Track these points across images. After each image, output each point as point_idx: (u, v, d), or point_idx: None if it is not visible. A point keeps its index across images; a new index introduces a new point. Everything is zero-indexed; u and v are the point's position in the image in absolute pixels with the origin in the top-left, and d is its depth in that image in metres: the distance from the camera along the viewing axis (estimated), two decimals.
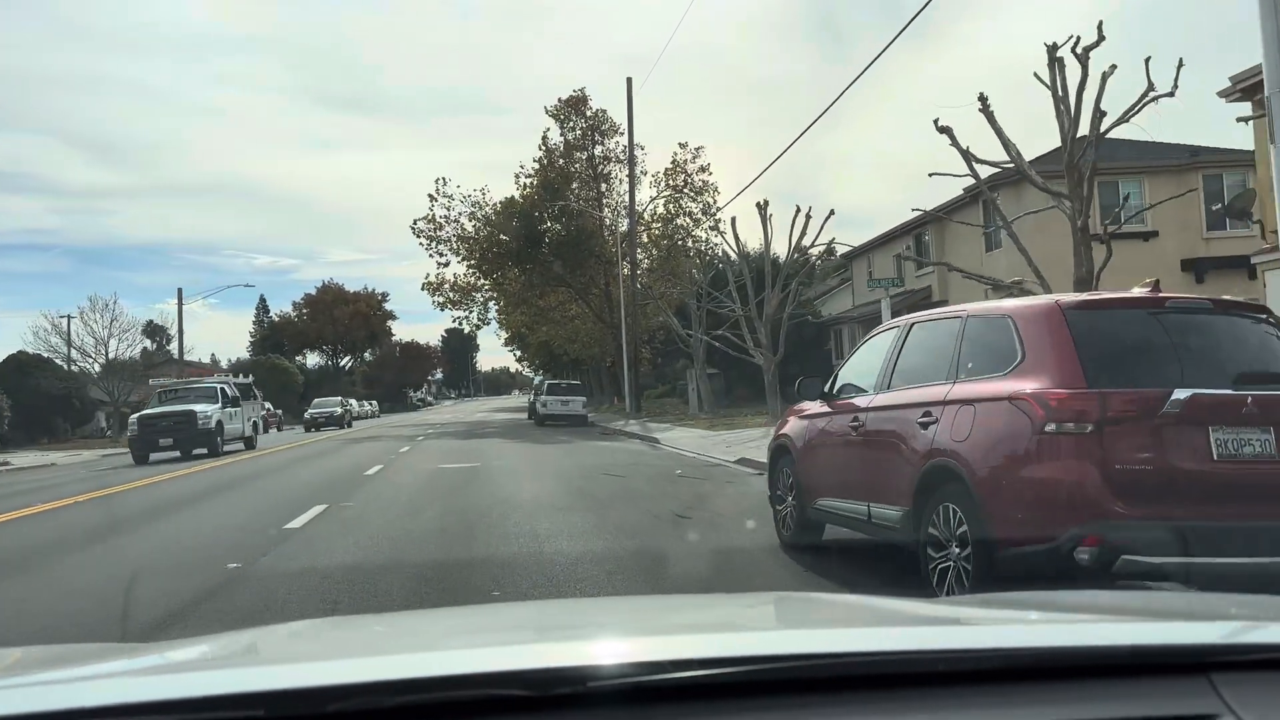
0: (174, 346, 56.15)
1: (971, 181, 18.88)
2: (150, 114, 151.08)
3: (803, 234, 27.61)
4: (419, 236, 45.79)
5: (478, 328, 52.40)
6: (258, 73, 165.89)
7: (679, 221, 47.58)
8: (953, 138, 16.30)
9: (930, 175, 36.14)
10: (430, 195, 45.38)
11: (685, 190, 47.81)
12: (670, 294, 41.09)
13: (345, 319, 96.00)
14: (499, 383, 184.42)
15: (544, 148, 47.23)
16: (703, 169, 47.63)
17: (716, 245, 42.69)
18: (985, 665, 1.40)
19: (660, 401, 49.31)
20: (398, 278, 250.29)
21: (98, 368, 50.61)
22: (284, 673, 1.47)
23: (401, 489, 14.24)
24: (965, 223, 27.72)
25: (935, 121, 16.19)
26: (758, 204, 28.02)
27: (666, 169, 47.94)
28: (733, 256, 28.64)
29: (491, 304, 51.26)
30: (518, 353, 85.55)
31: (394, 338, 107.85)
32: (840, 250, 30.51)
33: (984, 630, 1.80)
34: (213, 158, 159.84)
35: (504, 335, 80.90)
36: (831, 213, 26.57)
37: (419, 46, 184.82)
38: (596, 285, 47.58)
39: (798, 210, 27.05)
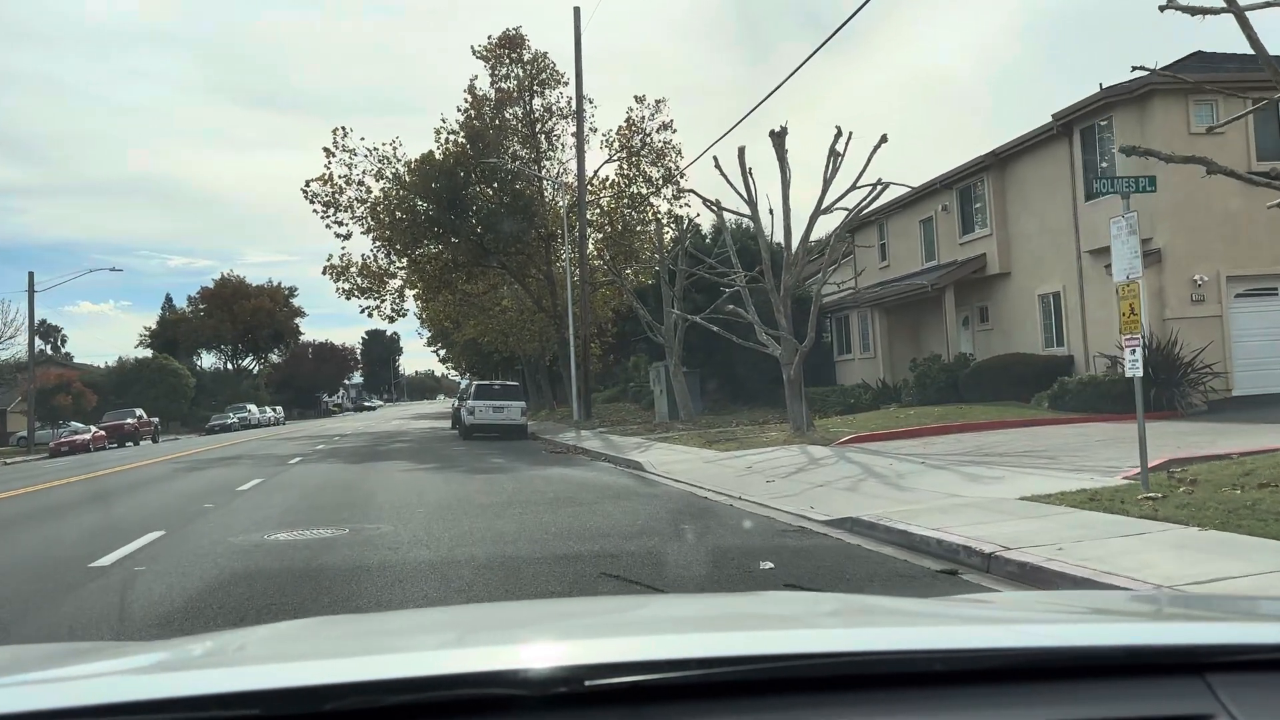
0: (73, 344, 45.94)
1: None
2: (58, 109, 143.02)
3: (852, 166, 19.46)
4: (313, 202, 36.62)
5: (391, 320, 43.19)
6: (170, 69, 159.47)
7: (635, 189, 39.27)
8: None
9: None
10: (326, 150, 36.25)
11: (643, 154, 39.53)
12: (637, 266, 32.76)
13: (246, 315, 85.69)
14: (424, 387, 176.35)
15: (471, 98, 38.45)
16: (664, 126, 39.42)
17: (686, 213, 34.54)
18: (980, 665, 1.38)
19: (612, 406, 40.90)
20: (322, 280, 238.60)
21: None
22: (280, 671, 1.42)
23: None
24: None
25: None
26: (772, 131, 19.90)
27: (620, 128, 39.63)
28: (739, 202, 20.25)
29: (409, 291, 42.04)
30: (442, 353, 76.20)
31: (303, 336, 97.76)
32: (896, 193, 22.35)
33: (979, 630, 1.75)
34: (125, 155, 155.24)
35: (426, 335, 72.17)
36: (884, 138, 18.27)
37: (338, 43, 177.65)
38: (536, 265, 38.94)
39: (838, 133, 18.97)
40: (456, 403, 36.95)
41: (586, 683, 1.27)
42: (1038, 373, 21.77)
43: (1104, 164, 20.17)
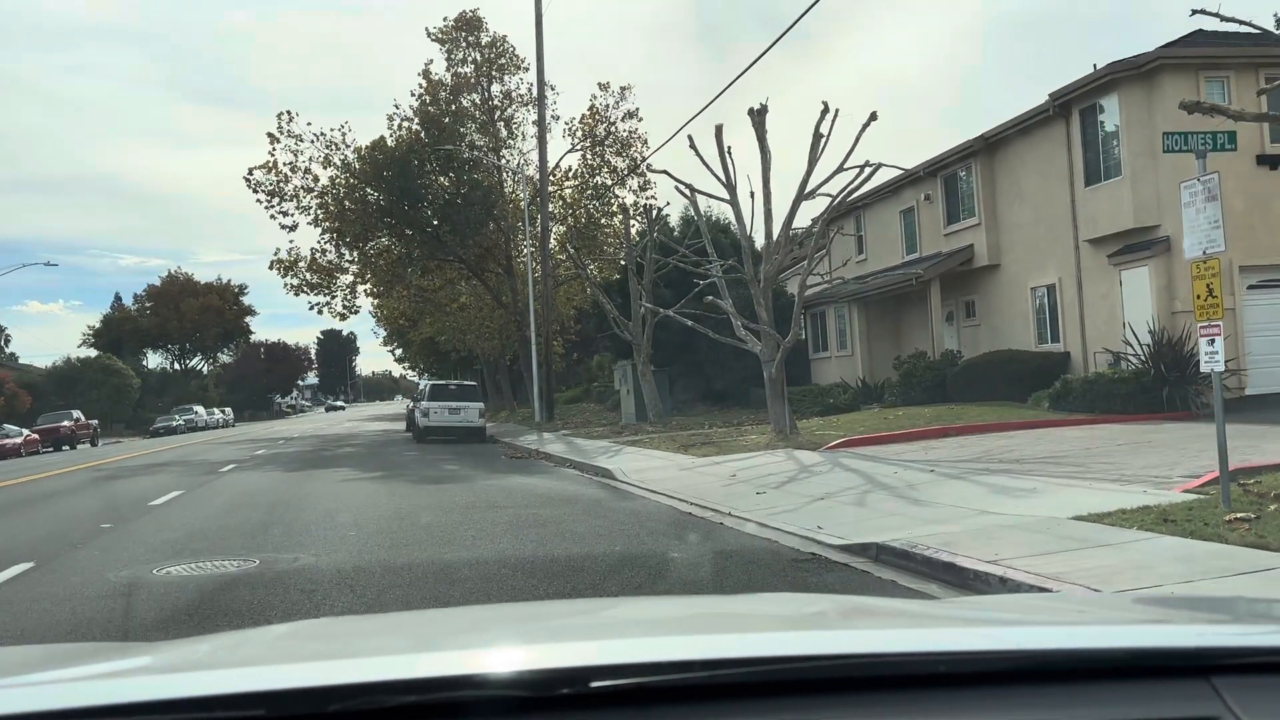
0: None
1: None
2: (3, 104, 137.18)
3: (840, 145, 17.84)
4: (256, 191, 34.41)
5: (343, 317, 40.95)
6: (118, 64, 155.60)
7: (600, 180, 37.53)
8: None
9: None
10: (271, 135, 34.06)
11: (607, 143, 37.82)
12: (602, 261, 31.04)
13: (194, 314, 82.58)
14: (381, 388, 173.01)
15: (426, 82, 36.45)
16: (630, 115, 37.73)
17: (654, 203, 32.86)
18: (985, 667, 1.38)
19: (575, 407, 39.13)
20: (277, 278, 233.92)
21: None
22: (285, 672, 1.43)
23: None
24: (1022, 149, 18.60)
25: None
26: (752, 109, 18.26)
27: (583, 116, 37.89)
28: (713, 189, 18.58)
29: (360, 287, 39.83)
30: (398, 352, 73.87)
31: (254, 336, 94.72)
32: (875, 181, 20.60)
33: (983, 631, 1.72)
34: (73, 151, 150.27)
35: (382, 334, 69.77)
36: (874, 116, 16.71)
37: (295, 39, 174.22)
38: (496, 259, 37.03)
39: (825, 109, 17.36)
40: (410, 404, 34.95)
41: (592, 684, 1.25)
42: (1032, 371, 20.37)
43: (1108, 146, 18.79)
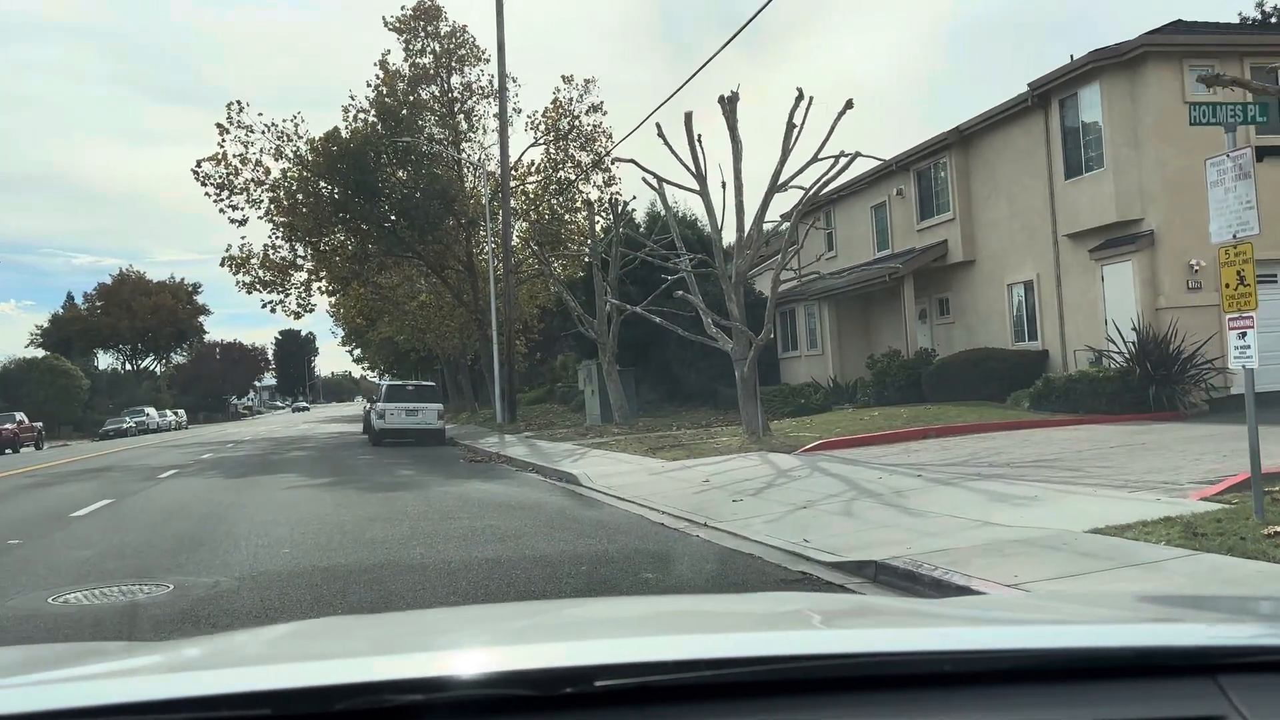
0: None
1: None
2: None
3: (814, 132, 17.01)
4: (204, 184, 33.01)
5: (297, 315, 39.50)
6: (72, 61, 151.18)
7: (563, 175, 36.57)
8: None
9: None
10: (220, 125, 32.66)
11: (571, 137, 36.87)
12: (565, 259, 30.10)
13: (147, 313, 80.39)
14: (341, 389, 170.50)
15: (383, 73, 35.27)
16: (594, 109, 36.81)
17: (620, 197, 31.91)
18: (990, 666, 1.37)
19: (538, 408, 38.12)
20: (235, 279, 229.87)
21: None
22: (290, 671, 1.42)
23: None
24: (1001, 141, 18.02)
25: None
26: (722, 97, 17.41)
27: (546, 109, 36.92)
28: (688, 171, 17.69)
29: (315, 284, 38.44)
30: (356, 352, 72.32)
31: (208, 335, 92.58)
32: (846, 177, 19.71)
33: (989, 631, 1.72)
34: (26, 149, 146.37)
35: (340, 334, 68.24)
36: (849, 104, 15.95)
37: (252, 36, 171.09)
38: (456, 255, 35.93)
39: (800, 96, 16.55)
40: (367, 405, 33.74)
41: (596, 683, 1.25)
42: (1010, 369, 19.73)
43: (1089, 137, 18.18)
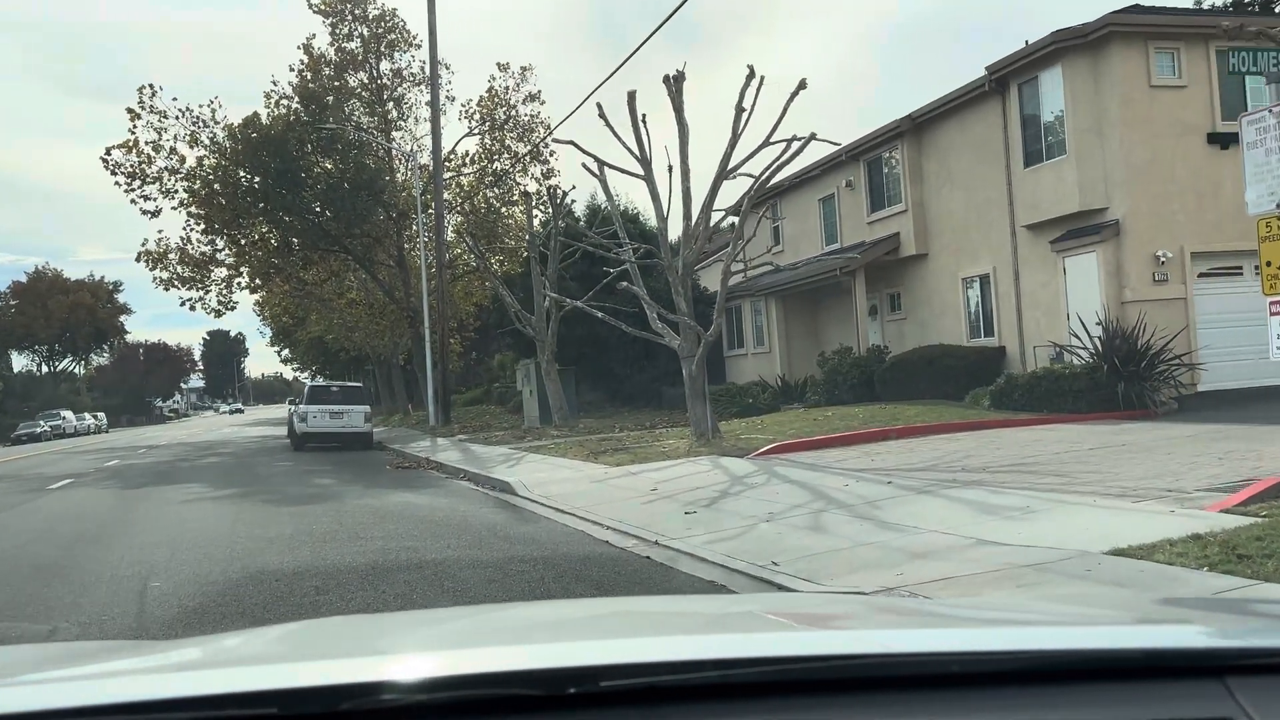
0: None
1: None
2: None
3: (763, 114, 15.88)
4: (114, 173, 30.92)
5: (219, 314, 37.32)
6: None
7: (499, 166, 35.11)
8: None
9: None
10: (131, 111, 30.59)
11: (507, 127, 35.42)
12: (502, 255, 28.73)
13: (63, 312, 76.88)
14: (273, 390, 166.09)
15: (307, 58, 33.48)
16: (531, 98, 35.40)
17: (560, 188, 30.58)
18: (998, 667, 1.35)
19: (475, 410, 36.65)
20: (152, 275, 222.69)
21: None
22: (296, 671, 1.39)
23: None
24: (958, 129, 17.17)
25: None
26: (667, 77, 16.25)
27: (481, 98, 35.42)
28: (631, 155, 16.46)
29: (236, 280, 36.40)
30: (284, 352, 69.82)
31: (129, 335, 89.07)
32: (794, 167, 18.51)
33: (996, 632, 1.69)
34: None
35: (268, 333, 65.75)
36: (803, 84, 14.90)
37: (181, 31, 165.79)
38: (386, 250, 34.28)
39: (751, 74, 15.44)
40: (290, 408, 31.98)
41: (602, 683, 1.24)
42: (967, 367, 18.91)
43: (1050, 123, 17.37)
